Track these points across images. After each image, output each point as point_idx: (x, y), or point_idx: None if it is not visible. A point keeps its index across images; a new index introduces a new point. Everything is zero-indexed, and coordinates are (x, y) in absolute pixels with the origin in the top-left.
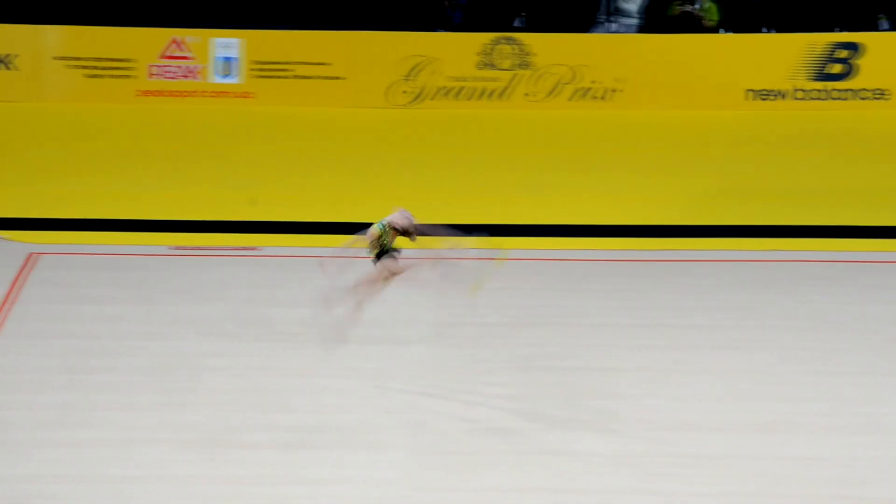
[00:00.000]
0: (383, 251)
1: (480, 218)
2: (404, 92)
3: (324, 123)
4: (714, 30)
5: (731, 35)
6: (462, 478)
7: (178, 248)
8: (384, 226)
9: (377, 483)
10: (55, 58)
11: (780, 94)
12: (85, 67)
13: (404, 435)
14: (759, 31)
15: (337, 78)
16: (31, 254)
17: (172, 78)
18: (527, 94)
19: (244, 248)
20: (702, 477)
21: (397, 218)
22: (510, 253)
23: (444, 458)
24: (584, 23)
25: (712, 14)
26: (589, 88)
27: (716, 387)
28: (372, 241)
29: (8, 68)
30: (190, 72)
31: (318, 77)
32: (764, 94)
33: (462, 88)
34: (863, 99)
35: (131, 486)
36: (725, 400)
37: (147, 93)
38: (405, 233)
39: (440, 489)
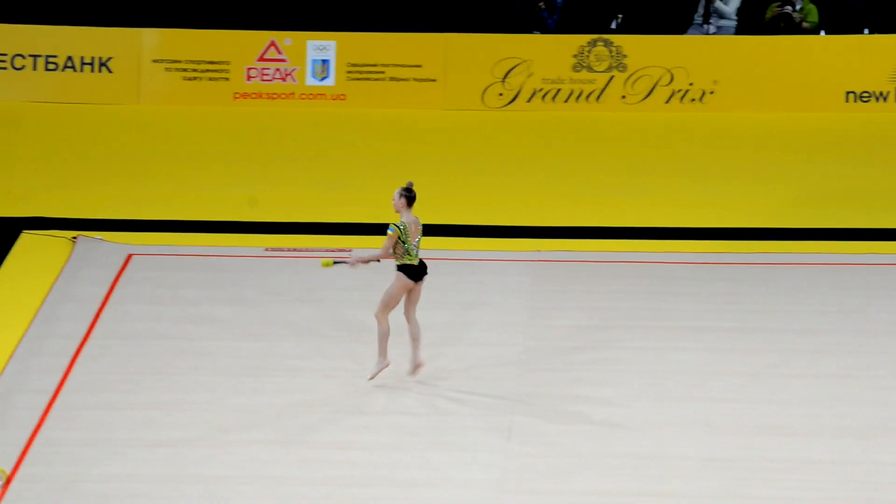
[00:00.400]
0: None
1: (576, 221)
2: (499, 94)
3: (417, 126)
4: (813, 31)
5: (830, 36)
6: (553, 481)
7: (271, 249)
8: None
9: (469, 485)
10: (153, 60)
11: (881, 96)
12: (182, 70)
13: (496, 437)
14: (859, 32)
15: (430, 80)
16: (130, 255)
17: (269, 80)
18: (622, 97)
19: (336, 250)
20: (797, 482)
21: None
22: (599, 255)
23: (535, 461)
24: (680, 25)
25: (812, 16)
26: (685, 90)
27: (813, 391)
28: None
29: (108, 71)
30: (286, 74)
31: (412, 79)
32: (864, 96)
33: (557, 91)
34: None
35: (224, 486)
36: (822, 404)
37: (243, 95)
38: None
39: (531, 492)
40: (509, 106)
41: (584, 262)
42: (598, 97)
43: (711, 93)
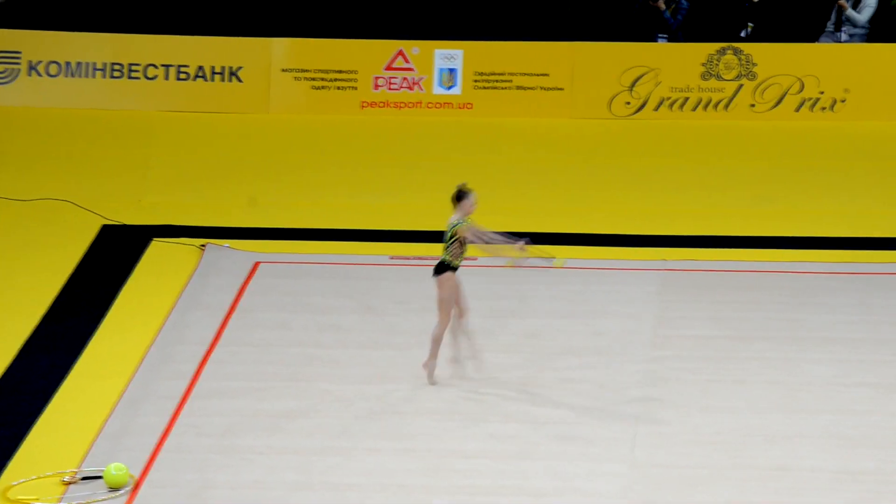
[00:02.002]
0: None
1: (703, 230)
2: (626, 103)
3: (544, 134)
4: None
5: None
6: (680, 492)
7: (398, 257)
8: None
9: (595, 495)
10: (282, 70)
11: None
12: (311, 79)
13: (623, 447)
14: None
15: (557, 89)
16: (257, 262)
17: (396, 89)
18: (751, 105)
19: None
20: None
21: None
22: (727, 265)
23: (663, 472)
24: (811, 33)
25: None
26: (816, 99)
27: None
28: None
29: (238, 80)
30: (413, 83)
31: (538, 88)
32: None
33: (685, 99)
34: None
35: (353, 493)
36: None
37: (370, 104)
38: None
39: (657, 503)
40: (637, 115)
41: (713, 271)
42: (727, 106)
43: (843, 101)
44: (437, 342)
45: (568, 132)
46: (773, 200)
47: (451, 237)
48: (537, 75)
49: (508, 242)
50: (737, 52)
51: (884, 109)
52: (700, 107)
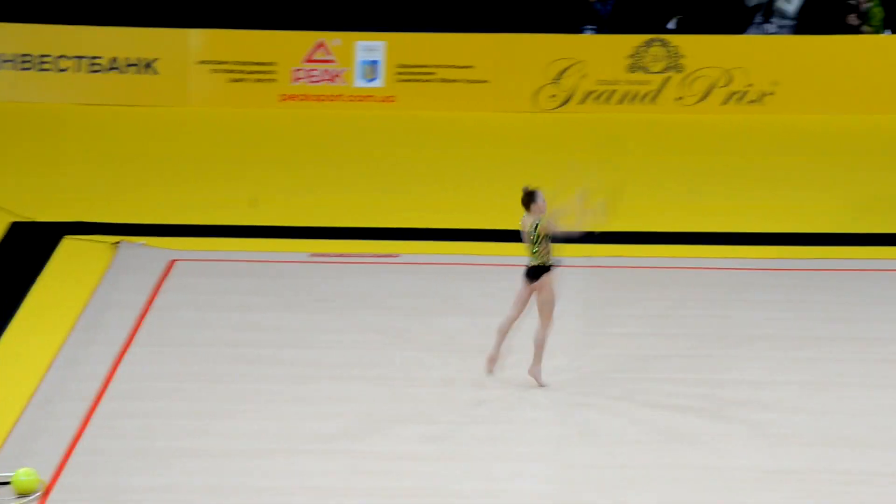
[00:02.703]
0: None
1: (631, 226)
2: (552, 96)
3: (468, 128)
4: (877, 31)
5: (892, 36)
6: (608, 493)
7: (317, 255)
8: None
9: (522, 496)
10: (199, 62)
11: None
12: (229, 72)
13: (549, 447)
14: None
15: (482, 81)
16: (173, 260)
17: (316, 82)
18: (678, 98)
19: (384, 256)
20: (867, 495)
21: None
22: (654, 261)
23: (590, 472)
24: (738, 24)
25: (876, 17)
26: (744, 92)
27: (881, 400)
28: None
29: (154, 72)
30: (334, 76)
31: (463, 80)
32: None
33: (612, 92)
34: None
35: (270, 496)
36: (891, 414)
37: (290, 97)
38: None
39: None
40: (562, 108)
41: (640, 268)
42: (654, 99)
43: (771, 94)
44: (541, 346)
45: (492, 126)
46: (699, 195)
47: (537, 238)
48: (461, 67)
49: (576, 206)
50: (664, 43)
51: (812, 102)
52: (627, 100)
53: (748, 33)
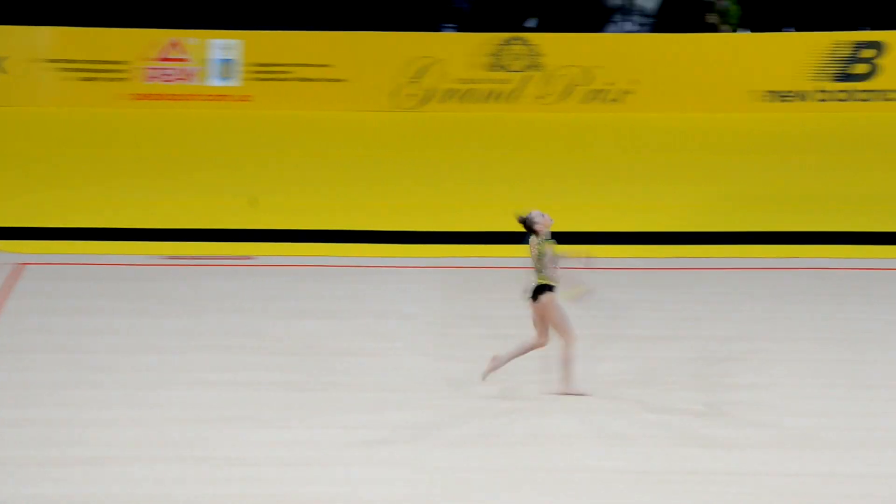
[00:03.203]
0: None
1: (491, 226)
2: (410, 94)
3: (326, 127)
4: (734, 29)
5: (750, 34)
6: (465, 497)
7: (172, 258)
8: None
9: (381, 502)
10: (47, 60)
11: (801, 96)
12: (78, 70)
13: (409, 451)
14: (779, 30)
15: (339, 80)
16: (19, 264)
17: (170, 81)
18: (538, 97)
19: (240, 258)
20: (739, 494)
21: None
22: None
23: (448, 475)
24: (596, 23)
25: (733, 16)
26: (602, 90)
27: (736, 396)
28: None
29: (1, 71)
30: (187, 74)
31: (320, 79)
32: (784, 96)
33: (471, 91)
34: (888, 100)
35: None
36: (749, 412)
37: (142, 96)
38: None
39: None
40: (422, 106)
41: (498, 268)
42: (515, 97)
43: (628, 92)
44: (569, 363)
45: (351, 125)
46: (560, 193)
47: (540, 256)
48: (319, 66)
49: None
50: (524, 42)
51: (671, 100)
52: (487, 98)
53: (608, 31)
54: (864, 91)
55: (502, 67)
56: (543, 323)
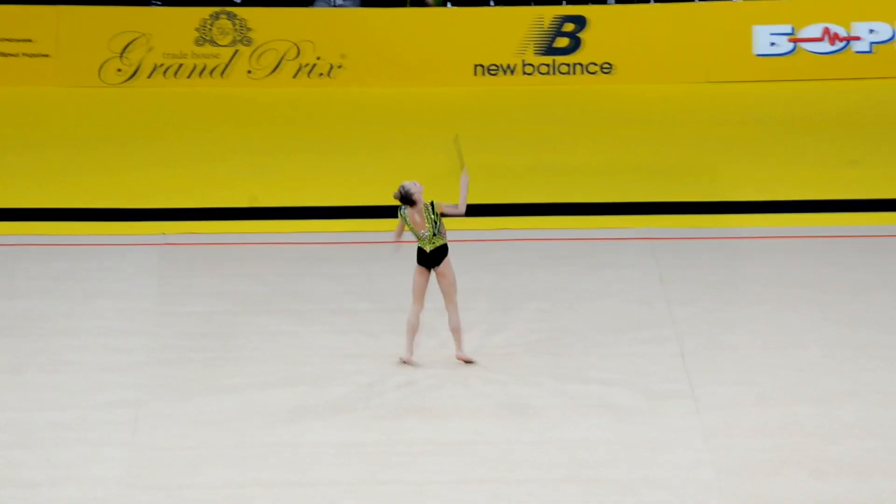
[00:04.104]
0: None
1: (203, 202)
2: (118, 70)
3: (31, 104)
4: (441, 4)
5: (457, 9)
6: (183, 474)
7: None
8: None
9: (94, 483)
10: None
11: (509, 69)
12: None
13: (123, 431)
14: (486, 4)
15: (43, 55)
16: None
17: None
18: (248, 72)
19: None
20: (434, 464)
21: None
22: (228, 237)
23: (164, 454)
24: None
25: None
26: (313, 65)
27: (464, 372)
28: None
29: None
30: None
31: (22, 54)
32: (492, 70)
33: (180, 66)
34: (590, 73)
35: None
36: (466, 384)
37: None
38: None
39: (160, 487)
40: (129, 82)
41: (214, 244)
42: (223, 72)
43: (340, 67)
44: (458, 329)
45: (57, 102)
46: (273, 169)
47: (436, 221)
48: (20, 41)
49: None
50: (231, 16)
51: (383, 75)
52: (195, 73)
53: (316, 6)
54: (568, 64)
55: (210, 42)
56: (425, 288)
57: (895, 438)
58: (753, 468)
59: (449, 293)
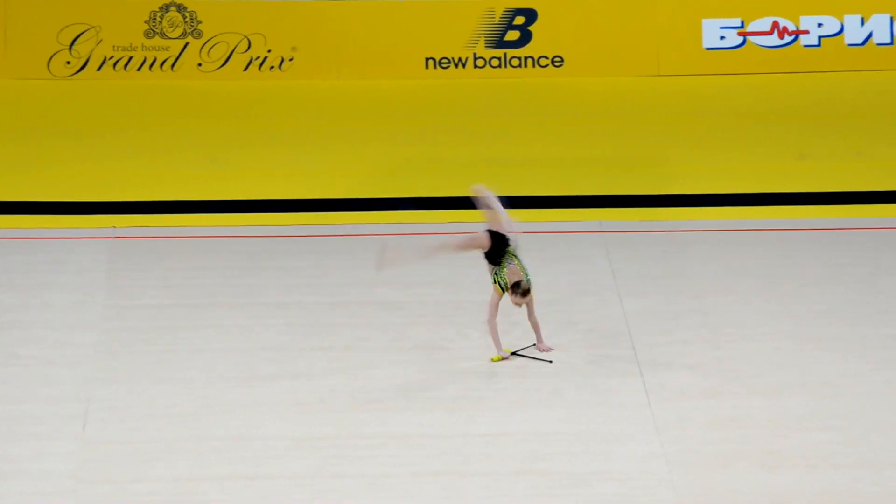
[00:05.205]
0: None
1: (155, 195)
2: (67, 62)
3: None
4: None
5: (408, 2)
6: (136, 468)
7: None
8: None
9: (45, 476)
10: None
11: (460, 62)
12: None
13: (74, 425)
14: None
15: None
16: None
17: None
18: (198, 65)
19: None
20: (389, 457)
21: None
22: (178, 231)
23: (117, 448)
24: None
25: None
26: (264, 57)
27: (416, 366)
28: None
29: None
30: None
31: None
32: (444, 63)
33: (130, 58)
34: (541, 66)
35: None
36: (410, 378)
37: None
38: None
39: (113, 481)
40: (78, 75)
41: (164, 238)
42: (173, 65)
43: (291, 60)
44: None
45: (5, 94)
46: (223, 162)
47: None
48: None
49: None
50: (181, 8)
51: (334, 68)
52: (145, 66)
53: None
54: (519, 58)
55: (160, 34)
56: None
57: (845, 431)
58: (705, 460)
59: (530, 306)
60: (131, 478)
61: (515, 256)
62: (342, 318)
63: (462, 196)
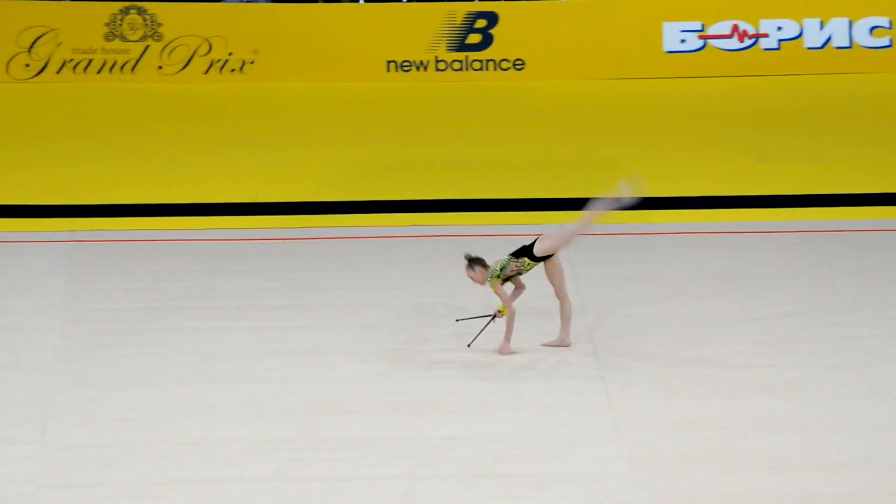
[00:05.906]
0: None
1: (117, 198)
2: (26, 65)
3: None
4: (353, 0)
5: (369, 5)
6: (96, 472)
7: None
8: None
9: (4, 481)
10: None
11: (422, 66)
12: None
13: (33, 429)
14: (398, 0)
15: None
16: None
17: None
18: (159, 67)
19: None
20: (350, 460)
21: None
22: (137, 234)
23: (75, 452)
24: None
25: None
26: (225, 60)
27: (374, 369)
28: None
29: None
30: None
31: None
32: (405, 66)
33: (90, 61)
34: (503, 70)
35: None
36: (372, 381)
37: None
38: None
39: (72, 486)
40: (37, 77)
41: (124, 241)
42: (134, 68)
43: (252, 63)
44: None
45: None
46: (183, 165)
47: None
48: None
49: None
50: (141, 11)
51: (295, 71)
52: (105, 69)
53: (227, 1)
54: (480, 61)
55: (120, 37)
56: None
57: (806, 432)
58: (665, 462)
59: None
60: (91, 482)
61: (514, 256)
62: (304, 321)
63: (425, 199)
